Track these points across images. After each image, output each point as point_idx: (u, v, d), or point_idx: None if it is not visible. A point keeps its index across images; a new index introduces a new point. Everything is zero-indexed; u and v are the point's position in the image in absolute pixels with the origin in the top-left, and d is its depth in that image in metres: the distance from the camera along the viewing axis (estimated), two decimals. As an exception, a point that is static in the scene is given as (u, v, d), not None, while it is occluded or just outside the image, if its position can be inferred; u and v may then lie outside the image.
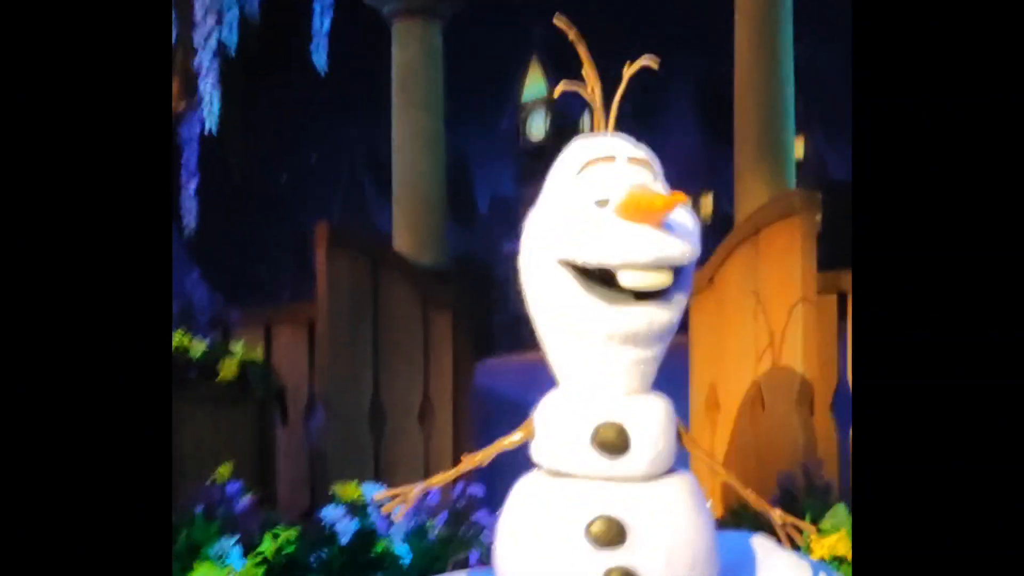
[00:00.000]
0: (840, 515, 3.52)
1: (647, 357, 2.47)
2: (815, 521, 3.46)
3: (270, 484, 4.43)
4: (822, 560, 3.19)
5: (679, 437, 2.54)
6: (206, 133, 4.86)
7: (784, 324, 4.38)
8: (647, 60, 2.62)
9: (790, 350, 4.37)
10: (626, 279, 2.35)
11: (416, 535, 3.84)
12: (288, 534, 3.60)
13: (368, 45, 8.17)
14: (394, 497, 2.68)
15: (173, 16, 4.42)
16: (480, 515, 4.03)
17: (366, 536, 3.77)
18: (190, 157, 4.92)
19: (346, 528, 3.74)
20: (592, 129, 2.65)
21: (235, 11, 4.87)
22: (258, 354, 4.62)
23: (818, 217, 4.32)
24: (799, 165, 7.58)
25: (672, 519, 2.42)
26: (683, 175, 2.59)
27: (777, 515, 2.65)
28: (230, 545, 3.47)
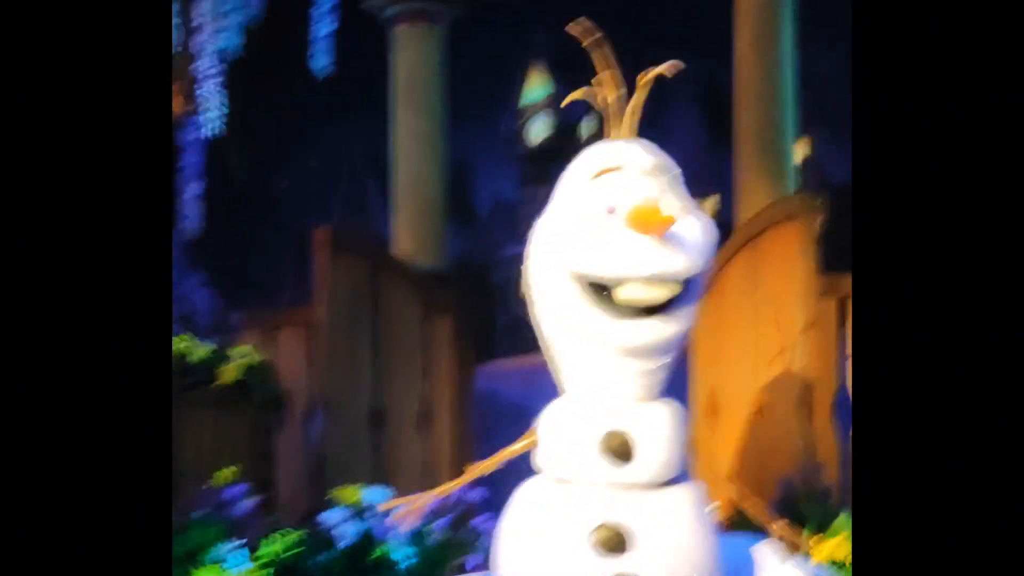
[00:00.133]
0: (842, 524, 3.51)
1: (653, 368, 2.47)
2: (816, 527, 3.46)
3: (271, 488, 4.43)
4: (822, 564, 3.19)
5: (691, 443, 2.54)
6: (207, 137, 4.87)
7: (784, 328, 4.38)
8: (667, 67, 2.60)
9: (790, 354, 4.37)
10: (625, 293, 2.35)
11: (416, 540, 3.84)
12: (289, 538, 3.60)
13: (369, 50, 8.18)
14: (402, 506, 2.68)
15: (175, 21, 4.43)
16: (480, 520, 4.03)
17: (366, 540, 3.77)
18: (191, 161, 4.92)
19: (346, 532, 3.75)
20: (603, 135, 2.65)
21: (236, 16, 4.87)
22: (259, 358, 4.62)
23: (819, 221, 4.32)
24: (799, 169, 7.59)
25: (676, 528, 2.42)
26: (684, 179, 2.58)
27: (778, 528, 2.65)
28: (231, 549, 3.47)
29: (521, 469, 2.60)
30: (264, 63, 5.49)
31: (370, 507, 3.86)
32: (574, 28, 2.57)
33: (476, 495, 4.04)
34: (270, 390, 4.54)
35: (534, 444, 2.55)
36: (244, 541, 3.55)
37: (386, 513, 3.73)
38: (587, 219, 2.40)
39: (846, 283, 4.30)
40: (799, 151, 7.56)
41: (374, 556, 3.75)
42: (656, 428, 2.45)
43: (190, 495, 3.70)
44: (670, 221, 2.32)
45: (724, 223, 2.76)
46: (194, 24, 4.74)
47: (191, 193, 4.88)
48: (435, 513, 3.98)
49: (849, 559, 3.15)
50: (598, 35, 2.56)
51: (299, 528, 3.73)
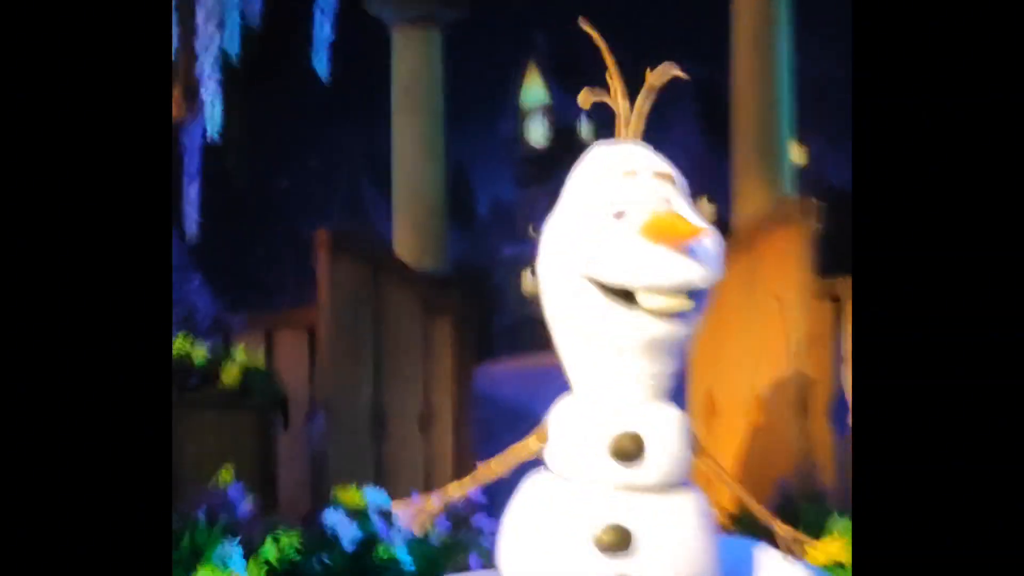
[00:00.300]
0: (838, 526, 3.52)
1: (664, 371, 2.48)
2: (815, 529, 3.46)
3: (272, 489, 4.44)
4: (821, 566, 3.20)
5: (693, 447, 2.55)
6: (208, 140, 4.87)
7: (781, 330, 4.39)
8: (673, 70, 2.61)
9: (787, 356, 4.37)
10: (647, 302, 2.37)
11: (417, 539, 3.85)
12: (290, 539, 3.61)
13: (369, 52, 8.19)
14: (412, 508, 2.68)
15: (174, 23, 4.43)
16: (481, 519, 4.04)
17: (368, 540, 3.77)
18: (191, 164, 4.93)
19: (348, 532, 3.75)
20: (601, 136, 2.65)
21: (236, 18, 4.88)
22: (260, 360, 4.63)
23: (816, 224, 4.33)
24: (797, 172, 7.59)
25: (679, 531, 2.43)
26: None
27: (780, 529, 2.66)
28: (232, 549, 3.48)
29: (522, 467, 2.61)
30: (264, 66, 5.50)
31: (371, 507, 3.86)
32: (584, 26, 2.58)
33: (477, 495, 4.05)
34: (271, 392, 4.54)
35: (544, 442, 2.55)
36: (245, 542, 3.56)
37: (389, 514, 3.74)
38: (600, 225, 2.41)
39: (842, 285, 4.31)
40: (796, 154, 7.56)
41: (376, 556, 3.76)
42: (666, 430, 2.47)
43: (191, 496, 3.70)
44: (697, 232, 2.33)
45: (722, 225, 2.77)
46: (194, 26, 4.75)
47: (191, 195, 4.89)
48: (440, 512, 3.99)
49: (849, 560, 3.16)
50: (597, 41, 2.57)
51: (300, 529, 3.74)
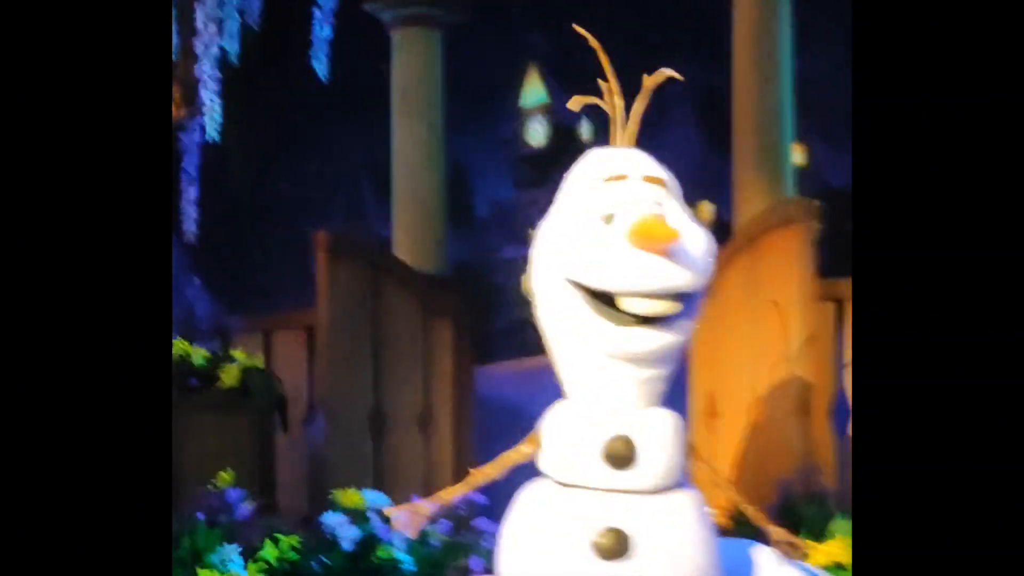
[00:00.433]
0: (840, 527, 3.52)
1: (652, 376, 2.48)
2: (814, 530, 3.46)
3: (271, 490, 4.44)
4: (823, 567, 3.20)
5: (687, 451, 2.55)
6: (207, 141, 4.87)
7: (783, 332, 4.38)
8: (667, 72, 2.61)
9: (788, 358, 4.37)
10: (629, 305, 2.37)
11: (417, 542, 3.84)
12: (290, 540, 3.60)
13: (369, 53, 8.19)
14: (406, 511, 2.69)
15: (174, 24, 4.43)
16: (481, 522, 4.03)
17: (367, 542, 3.77)
18: (191, 165, 4.93)
19: (347, 534, 3.75)
20: (603, 141, 2.65)
21: (236, 19, 4.88)
22: (259, 361, 4.63)
23: (817, 225, 4.32)
24: (797, 173, 7.59)
25: (677, 534, 2.43)
26: (682, 184, 2.59)
27: (775, 533, 2.66)
28: (232, 552, 3.48)
29: (524, 471, 2.61)
30: (264, 66, 5.49)
31: (371, 510, 3.86)
32: (580, 29, 2.58)
33: (478, 497, 4.04)
34: (270, 393, 4.54)
35: (537, 447, 2.55)
36: (244, 543, 3.55)
37: (389, 518, 3.74)
38: (588, 227, 2.41)
39: (843, 286, 4.31)
40: (796, 155, 7.56)
41: (375, 558, 3.75)
42: (658, 435, 2.46)
43: (191, 498, 3.70)
44: (675, 236, 2.33)
45: (723, 226, 2.77)
46: (193, 28, 4.75)
47: (190, 197, 4.89)
48: (437, 516, 3.98)
49: (849, 561, 3.16)
50: (593, 44, 2.57)
51: (299, 531, 3.74)
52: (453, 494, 2.73)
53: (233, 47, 4.88)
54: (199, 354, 4.27)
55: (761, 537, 2.78)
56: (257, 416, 4.47)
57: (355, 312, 5.13)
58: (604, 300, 2.39)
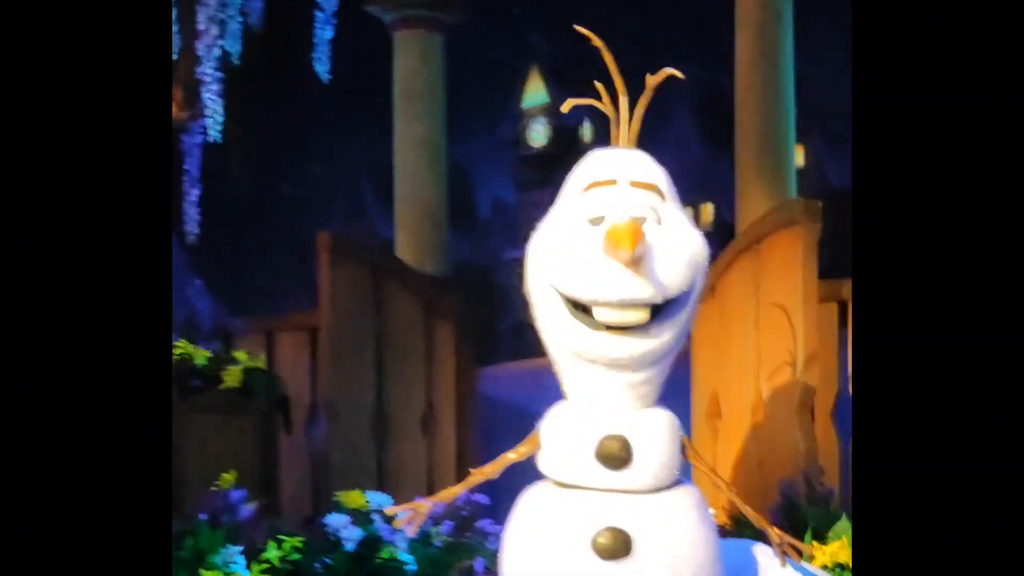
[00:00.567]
0: (843, 528, 3.51)
1: (638, 380, 2.48)
2: (817, 531, 3.46)
3: (274, 492, 4.44)
4: (824, 568, 3.19)
5: (683, 450, 2.55)
6: (209, 142, 4.88)
7: (785, 332, 4.38)
8: (670, 72, 2.61)
9: (791, 358, 4.37)
10: (600, 315, 2.38)
11: (421, 543, 3.85)
12: (293, 541, 3.61)
13: (370, 55, 8.20)
14: (406, 511, 2.69)
15: (176, 26, 4.44)
16: (484, 523, 4.03)
17: (371, 543, 3.77)
18: (193, 166, 4.93)
19: (351, 535, 3.75)
20: (604, 141, 2.65)
21: (238, 21, 4.88)
22: (261, 362, 4.63)
23: (819, 226, 4.32)
24: (800, 174, 7.59)
25: (677, 532, 2.43)
26: (684, 185, 2.59)
27: (775, 534, 2.66)
28: (235, 552, 3.48)
29: (527, 473, 2.61)
30: (265, 67, 5.50)
31: (374, 510, 3.86)
32: (582, 30, 2.58)
33: (481, 498, 4.04)
34: (272, 394, 4.55)
35: (536, 448, 2.56)
36: (247, 544, 3.56)
37: (391, 517, 3.74)
38: (570, 235, 2.42)
39: (846, 287, 4.31)
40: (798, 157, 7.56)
41: (379, 560, 3.75)
42: (651, 434, 2.47)
43: (193, 500, 3.70)
44: (631, 249, 2.31)
45: (726, 227, 2.77)
46: (195, 30, 4.75)
47: (192, 198, 4.89)
48: (440, 516, 3.98)
49: (850, 562, 3.16)
50: (597, 43, 2.57)
51: (302, 532, 3.74)
52: (453, 494, 2.73)
53: (235, 48, 4.89)
54: (201, 355, 4.27)
55: (762, 538, 2.77)
56: (259, 417, 4.47)
57: (357, 313, 5.13)
58: (580, 307, 2.40)
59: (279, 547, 3.58)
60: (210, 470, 3.90)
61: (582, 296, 2.38)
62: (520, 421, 2.72)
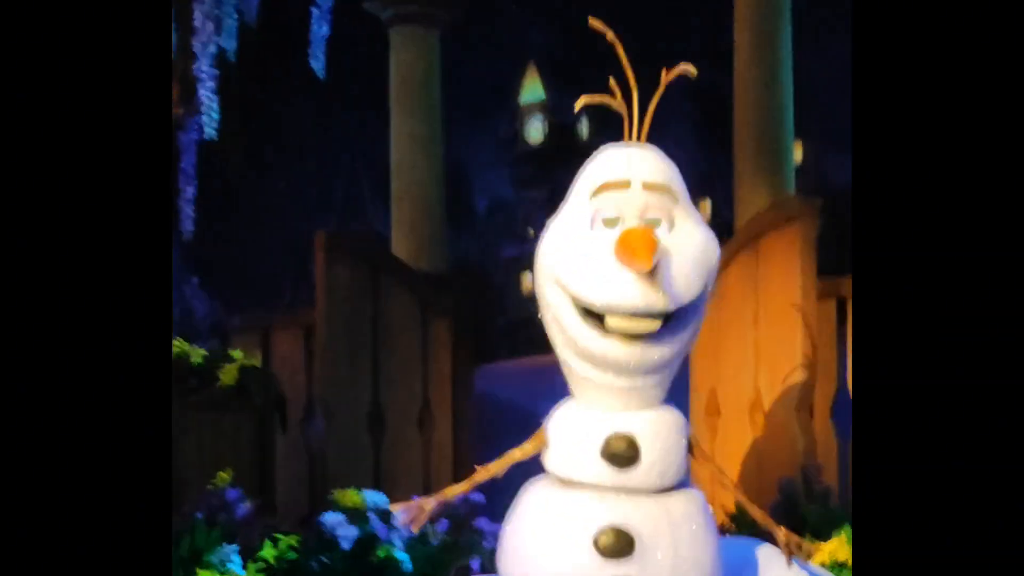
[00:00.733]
0: (842, 526, 3.51)
1: (647, 383, 2.47)
2: (816, 529, 3.46)
3: (270, 490, 4.43)
4: (823, 566, 3.19)
5: (690, 449, 2.54)
6: (205, 139, 4.86)
7: (784, 330, 4.38)
8: (684, 68, 2.60)
9: (790, 356, 4.37)
10: (611, 323, 2.37)
11: (417, 541, 3.84)
12: (289, 540, 3.60)
13: (366, 51, 8.19)
14: (409, 508, 2.68)
15: (172, 23, 4.42)
16: (481, 522, 4.03)
17: (367, 542, 3.76)
18: (189, 163, 4.92)
19: (347, 534, 3.74)
20: (602, 139, 2.64)
21: (234, 17, 4.87)
22: (257, 360, 4.62)
23: (818, 223, 4.32)
24: (798, 171, 7.59)
25: (679, 533, 2.43)
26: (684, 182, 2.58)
27: (782, 534, 2.65)
28: (231, 551, 3.47)
29: (522, 470, 2.61)
30: (261, 64, 5.48)
31: (370, 509, 3.85)
32: (595, 23, 2.57)
33: (477, 496, 4.03)
34: (269, 393, 4.54)
35: (543, 445, 2.55)
36: (243, 543, 3.55)
37: (387, 515, 3.73)
38: (583, 239, 2.40)
39: (845, 284, 4.31)
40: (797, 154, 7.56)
41: (375, 558, 3.75)
42: (659, 434, 2.46)
43: (190, 498, 3.69)
44: (648, 262, 2.30)
45: (724, 225, 2.76)
46: (191, 26, 4.74)
47: (188, 195, 4.88)
48: (437, 515, 3.97)
49: (850, 560, 3.16)
50: (611, 38, 2.55)
51: (298, 531, 3.73)
52: (457, 491, 2.72)
53: (231, 45, 4.87)
54: (197, 353, 4.26)
55: (767, 535, 2.77)
56: (255, 415, 4.46)
57: (354, 311, 5.13)
58: (591, 312, 2.39)
59: (275, 546, 3.57)
60: (206, 469, 3.90)
61: (596, 303, 2.36)
62: (517, 419, 2.72)
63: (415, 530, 2.83)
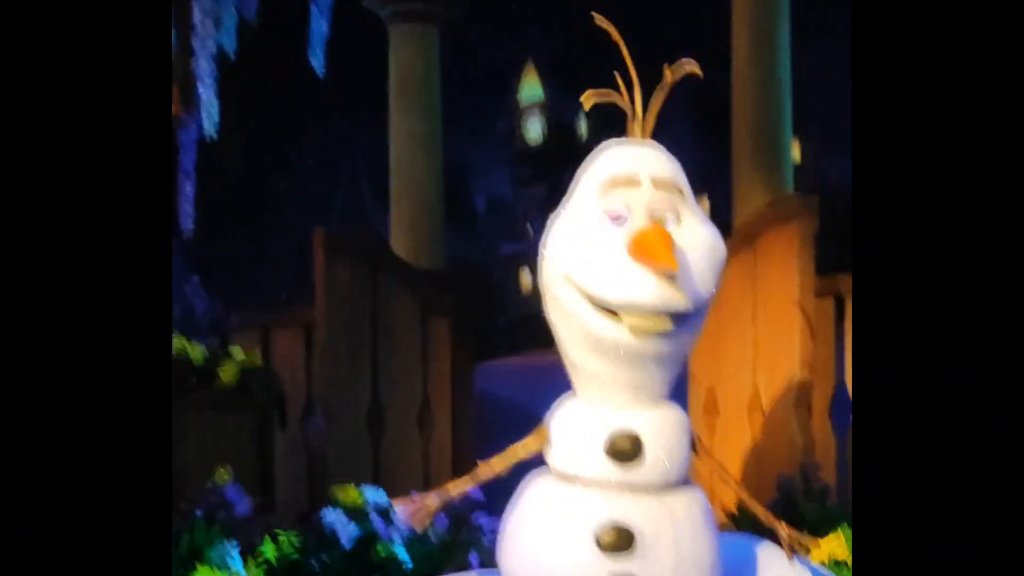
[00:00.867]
0: (840, 524, 3.51)
1: (653, 378, 2.47)
2: (814, 526, 3.46)
3: (270, 488, 4.43)
4: (822, 564, 3.20)
5: (693, 446, 2.55)
6: (205, 138, 4.86)
7: (782, 328, 4.39)
8: (689, 66, 2.60)
9: (788, 353, 4.37)
10: (627, 321, 2.37)
11: (416, 538, 3.84)
12: (289, 538, 3.60)
13: (366, 49, 8.18)
14: (413, 505, 2.68)
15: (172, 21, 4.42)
16: (480, 518, 4.03)
17: (367, 540, 3.76)
18: (188, 162, 4.92)
19: (347, 532, 3.75)
20: (602, 136, 2.64)
21: (233, 15, 4.87)
22: (257, 359, 4.62)
23: (816, 221, 4.32)
24: (797, 169, 7.59)
25: (681, 530, 2.43)
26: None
27: (784, 531, 2.66)
28: (231, 549, 3.47)
29: (521, 466, 2.61)
30: (261, 62, 5.48)
31: (370, 506, 3.85)
32: (600, 21, 2.56)
33: (476, 493, 4.04)
34: (268, 391, 4.54)
35: (545, 441, 2.55)
36: (243, 541, 3.55)
37: (387, 512, 3.74)
38: (595, 234, 2.40)
39: (843, 282, 4.31)
40: (794, 151, 7.56)
41: (375, 556, 3.75)
42: (663, 430, 2.46)
43: (189, 495, 3.70)
44: (672, 264, 2.30)
45: (722, 223, 2.76)
46: (190, 24, 4.74)
47: (187, 194, 4.88)
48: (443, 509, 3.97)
49: (849, 558, 3.16)
50: (613, 35, 2.55)
51: (298, 529, 3.73)
52: (460, 487, 2.72)
53: (231, 43, 4.87)
54: (197, 351, 4.26)
55: (768, 533, 2.77)
56: (255, 413, 4.46)
57: (353, 309, 5.13)
58: (603, 307, 2.38)
59: (275, 544, 3.57)
60: (206, 467, 3.90)
61: (612, 300, 2.36)
62: (517, 416, 2.72)
63: (419, 528, 2.82)
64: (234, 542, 3.50)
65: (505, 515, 2.59)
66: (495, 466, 2.63)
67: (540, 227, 2.58)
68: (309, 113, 10.28)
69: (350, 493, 3.91)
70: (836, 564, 3.26)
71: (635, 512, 2.41)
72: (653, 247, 2.30)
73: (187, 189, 4.87)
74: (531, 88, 12.73)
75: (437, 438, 5.41)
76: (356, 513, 3.83)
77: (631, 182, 2.43)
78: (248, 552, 3.53)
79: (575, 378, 2.55)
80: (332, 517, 3.76)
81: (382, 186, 8.79)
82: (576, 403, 2.53)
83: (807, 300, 4.31)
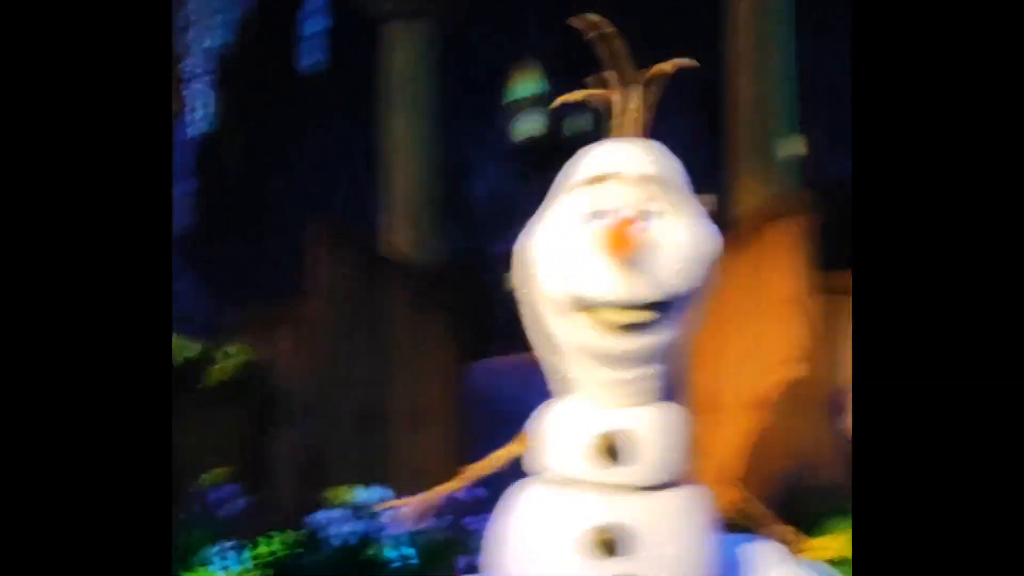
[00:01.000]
0: (841, 523, 3.52)
1: (640, 375, 2.46)
2: (816, 527, 3.47)
3: (265, 487, 4.43)
4: (822, 563, 3.20)
5: (691, 446, 2.54)
6: (201, 135, 4.86)
7: (783, 325, 4.39)
8: (685, 62, 2.59)
9: (789, 351, 4.38)
10: (602, 315, 2.36)
11: (409, 538, 3.85)
12: (283, 537, 3.60)
13: (361, 45, 8.18)
14: (403, 506, 2.68)
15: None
16: (472, 519, 4.03)
17: (360, 540, 3.77)
18: (185, 159, 4.92)
19: (341, 531, 3.75)
20: (598, 132, 2.64)
21: (228, 14, 4.87)
22: (253, 356, 4.62)
23: (814, 217, 4.33)
24: (797, 166, 7.59)
25: (677, 530, 2.42)
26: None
27: (784, 530, 2.65)
28: (226, 547, 3.47)
29: (515, 469, 2.60)
30: (255, 60, 5.48)
31: (364, 506, 3.86)
32: (578, 22, 2.56)
33: (468, 495, 4.03)
34: (265, 388, 4.54)
35: (526, 447, 2.54)
36: (236, 542, 3.55)
37: (380, 513, 3.73)
38: (571, 233, 2.40)
39: (844, 279, 4.31)
40: (796, 146, 7.56)
41: (367, 556, 3.75)
42: (646, 430, 2.45)
43: (185, 494, 3.70)
44: (630, 248, 2.30)
45: (722, 221, 2.75)
46: (184, 23, 4.74)
47: (182, 191, 4.88)
48: (432, 511, 3.97)
49: (848, 556, 3.16)
50: (607, 30, 2.54)
51: (292, 528, 3.73)
52: (446, 490, 2.72)
53: (223, 41, 4.87)
54: (193, 348, 4.26)
55: (766, 533, 2.77)
56: (250, 410, 4.46)
57: (349, 306, 5.13)
58: (580, 305, 2.38)
59: (269, 542, 3.57)
60: (202, 465, 3.90)
61: (586, 296, 2.35)
62: (513, 414, 2.71)
63: (403, 529, 2.83)
64: (229, 540, 3.51)
65: (493, 519, 2.58)
66: (479, 470, 2.63)
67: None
68: (305, 109, 10.27)
69: (343, 492, 3.91)
70: (837, 562, 3.27)
71: (629, 513, 2.40)
72: (609, 238, 2.30)
73: (183, 186, 4.87)
74: (528, 83, 12.73)
75: (433, 435, 5.41)
76: (350, 512, 3.83)
77: (606, 180, 2.43)
78: (243, 551, 3.53)
79: (558, 382, 2.54)
80: (326, 516, 3.77)
81: (379, 183, 8.78)
82: (565, 404, 2.52)
83: (808, 297, 4.31)
